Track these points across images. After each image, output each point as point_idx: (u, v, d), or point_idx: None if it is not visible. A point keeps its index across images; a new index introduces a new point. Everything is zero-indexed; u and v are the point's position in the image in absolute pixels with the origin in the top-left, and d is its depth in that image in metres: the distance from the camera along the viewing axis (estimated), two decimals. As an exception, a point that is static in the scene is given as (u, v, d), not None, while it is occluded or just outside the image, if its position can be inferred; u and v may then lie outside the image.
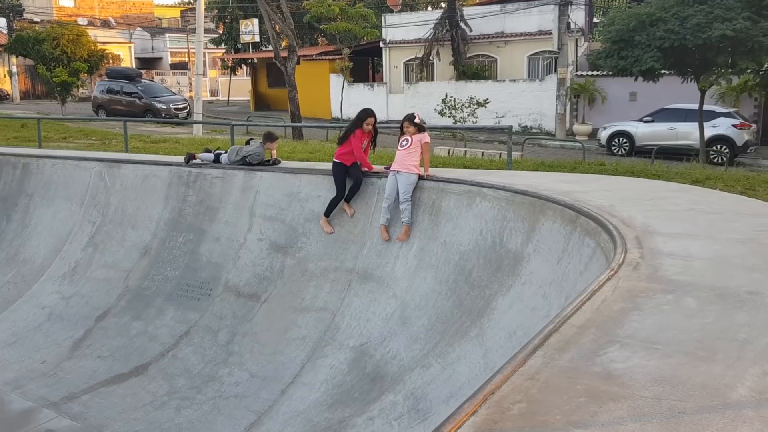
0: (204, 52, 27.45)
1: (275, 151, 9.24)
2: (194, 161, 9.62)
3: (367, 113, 7.87)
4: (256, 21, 36.03)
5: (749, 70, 15.69)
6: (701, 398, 2.42)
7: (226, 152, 9.47)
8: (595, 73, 24.75)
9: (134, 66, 47.27)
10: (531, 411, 2.32)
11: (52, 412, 6.90)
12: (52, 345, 8.42)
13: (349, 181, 8.03)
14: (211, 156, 9.57)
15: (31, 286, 9.75)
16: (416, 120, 7.53)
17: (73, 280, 9.58)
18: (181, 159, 9.91)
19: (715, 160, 17.70)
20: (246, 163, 9.13)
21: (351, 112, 29.41)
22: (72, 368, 7.89)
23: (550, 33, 25.05)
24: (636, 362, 2.70)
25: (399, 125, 7.74)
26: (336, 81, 30.79)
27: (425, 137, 7.56)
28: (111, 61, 43.56)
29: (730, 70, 14.95)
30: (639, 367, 2.66)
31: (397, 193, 7.49)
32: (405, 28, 30.81)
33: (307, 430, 6.18)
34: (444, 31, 28.88)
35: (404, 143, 7.55)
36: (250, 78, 40.01)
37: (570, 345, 2.87)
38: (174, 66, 51.88)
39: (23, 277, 10.02)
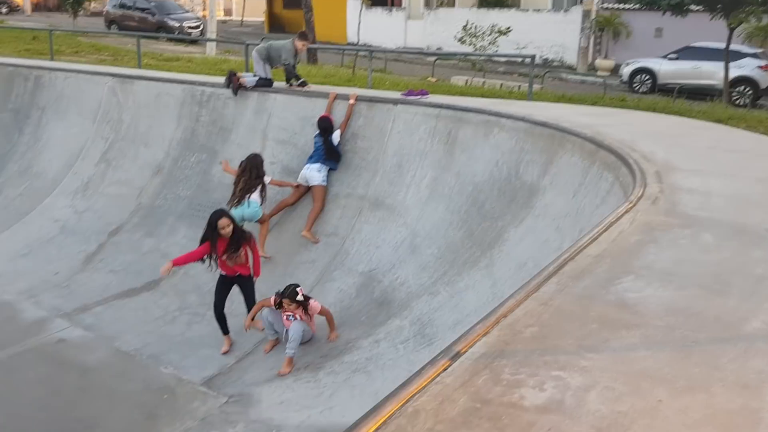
0: (218, -31, 26.63)
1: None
2: (235, 84, 9.05)
3: (216, 216, 6.11)
4: (273, -63, 34.76)
5: (782, 9, 15.05)
6: (714, 329, 2.41)
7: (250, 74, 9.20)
8: (621, 6, 23.86)
9: (147, -19, 46.02)
10: (543, 335, 2.32)
11: (65, 321, 7.05)
12: (65, 257, 8.53)
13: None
14: (254, 80, 9.06)
15: (44, 200, 9.81)
16: (299, 297, 5.95)
17: (86, 195, 9.63)
18: (194, 78, 9.72)
19: (738, 101, 17.26)
20: (282, 64, 8.82)
21: (368, 37, 28.76)
22: (85, 281, 8.03)
23: (578, -39, 24.06)
24: (650, 293, 2.68)
25: (416, 52, 7.49)
26: (353, 4, 29.85)
27: (316, 307, 6.12)
28: (124, -24, 42.43)
29: (761, 8, 14.33)
30: (653, 297, 2.65)
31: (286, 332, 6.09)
32: (427, -49, 29.64)
33: (313, 351, 6.30)
34: (467, -45, 27.78)
35: (291, 318, 6.06)
36: (265, -2, 38.92)
37: (585, 274, 2.85)
38: (188, -17, 50.49)
39: (35, 190, 10.07)
